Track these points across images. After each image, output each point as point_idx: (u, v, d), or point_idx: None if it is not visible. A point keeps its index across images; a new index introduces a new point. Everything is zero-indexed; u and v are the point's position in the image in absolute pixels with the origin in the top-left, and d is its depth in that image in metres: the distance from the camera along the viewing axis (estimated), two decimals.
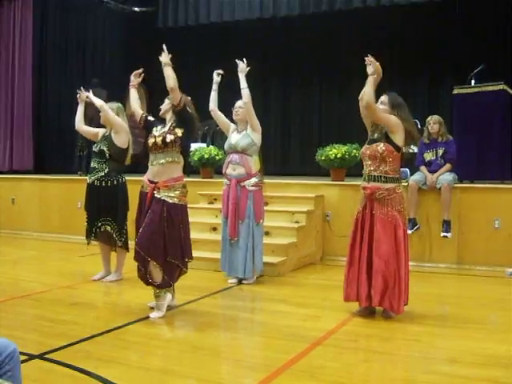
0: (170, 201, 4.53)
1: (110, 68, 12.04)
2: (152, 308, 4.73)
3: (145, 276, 4.63)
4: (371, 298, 4.51)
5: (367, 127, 4.73)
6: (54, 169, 10.45)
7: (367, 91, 4.43)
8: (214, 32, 11.11)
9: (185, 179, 4.75)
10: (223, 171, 6.06)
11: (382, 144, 4.51)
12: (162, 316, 4.59)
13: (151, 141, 4.66)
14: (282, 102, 11.85)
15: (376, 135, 4.61)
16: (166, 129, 4.64)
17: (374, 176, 4.54)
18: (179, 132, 4.59)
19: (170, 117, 4.72)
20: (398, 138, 4.51)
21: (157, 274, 4.57)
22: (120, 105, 5.96)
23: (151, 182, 4.61)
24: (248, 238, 5.86)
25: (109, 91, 9.91)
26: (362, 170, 4.72)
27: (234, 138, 5.97)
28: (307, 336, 4.11)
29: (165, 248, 4.52)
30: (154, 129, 4.73)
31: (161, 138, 4.58)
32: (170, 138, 4.56)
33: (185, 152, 4.75)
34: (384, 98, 4.61)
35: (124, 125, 5.81)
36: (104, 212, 5.75)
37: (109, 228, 5.78)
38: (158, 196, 4.54)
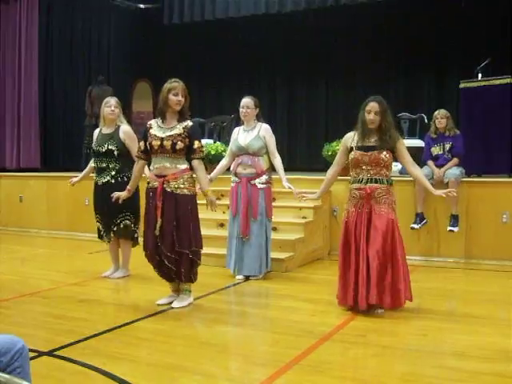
0: (181, 192, 4.51)
1: (115, 65, 12.06)
2: (160, 305, 4.77)
3: (179, 273, 4.65)
4: (368, 298, 4.44)
5: (359, 133, 4.67)
6: (61, 167, 10.49)
7: None
8: (219, 28, 11.10)
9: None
10: (231, 169, 5.97)
11: (384, 152, 4.52)
12: (186, 305, 4.72)
13: (156, 143, 4.52)
14: (288, 97, 11.83)
15: (372, 142, 4.57)
16: (175, 132, 4.50)
17: (376, 179, 4.54)
18: (187, 141, 4.50)
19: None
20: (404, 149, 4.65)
21: (189, 266, 4.63)
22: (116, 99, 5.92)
23: (159, 176, 4.56)
24: (262, 235, 5.84)
25: (114, 88, 9.94)
26: (353, 174, 4.64)
27: (243, 138, 5.79)
28: (315, 331, 4.12)
29: (192, 238, 4.60)
30: (155, 129, 4.57)
31: (170, 143, 4.47)
32: (180, 145, 4.48)
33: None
34: (374, 105, 4.55)
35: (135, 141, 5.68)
36: (123, 208, 5.68)
37: (129, 222, 5.79)
38: (169, 189, 4.51)
